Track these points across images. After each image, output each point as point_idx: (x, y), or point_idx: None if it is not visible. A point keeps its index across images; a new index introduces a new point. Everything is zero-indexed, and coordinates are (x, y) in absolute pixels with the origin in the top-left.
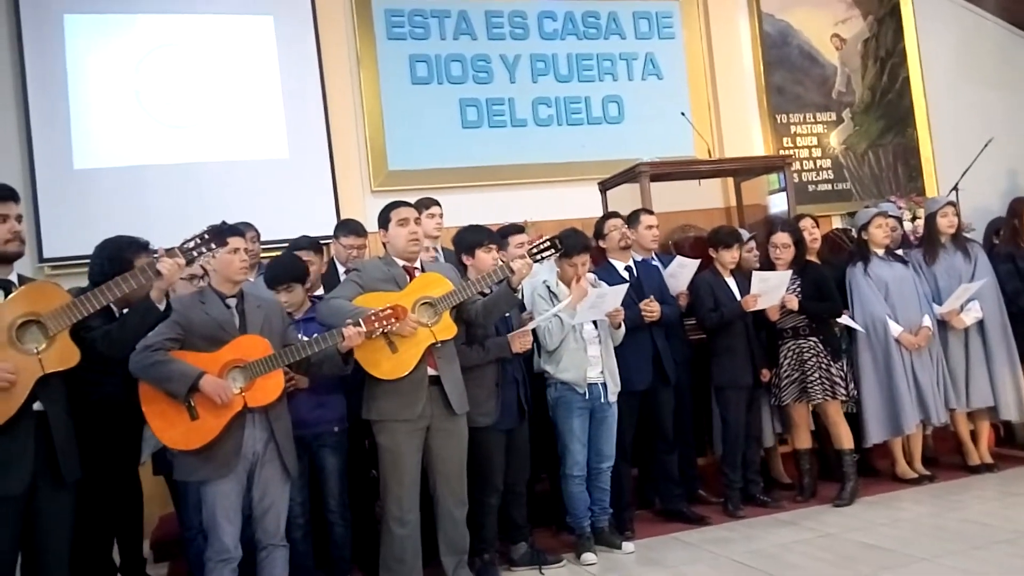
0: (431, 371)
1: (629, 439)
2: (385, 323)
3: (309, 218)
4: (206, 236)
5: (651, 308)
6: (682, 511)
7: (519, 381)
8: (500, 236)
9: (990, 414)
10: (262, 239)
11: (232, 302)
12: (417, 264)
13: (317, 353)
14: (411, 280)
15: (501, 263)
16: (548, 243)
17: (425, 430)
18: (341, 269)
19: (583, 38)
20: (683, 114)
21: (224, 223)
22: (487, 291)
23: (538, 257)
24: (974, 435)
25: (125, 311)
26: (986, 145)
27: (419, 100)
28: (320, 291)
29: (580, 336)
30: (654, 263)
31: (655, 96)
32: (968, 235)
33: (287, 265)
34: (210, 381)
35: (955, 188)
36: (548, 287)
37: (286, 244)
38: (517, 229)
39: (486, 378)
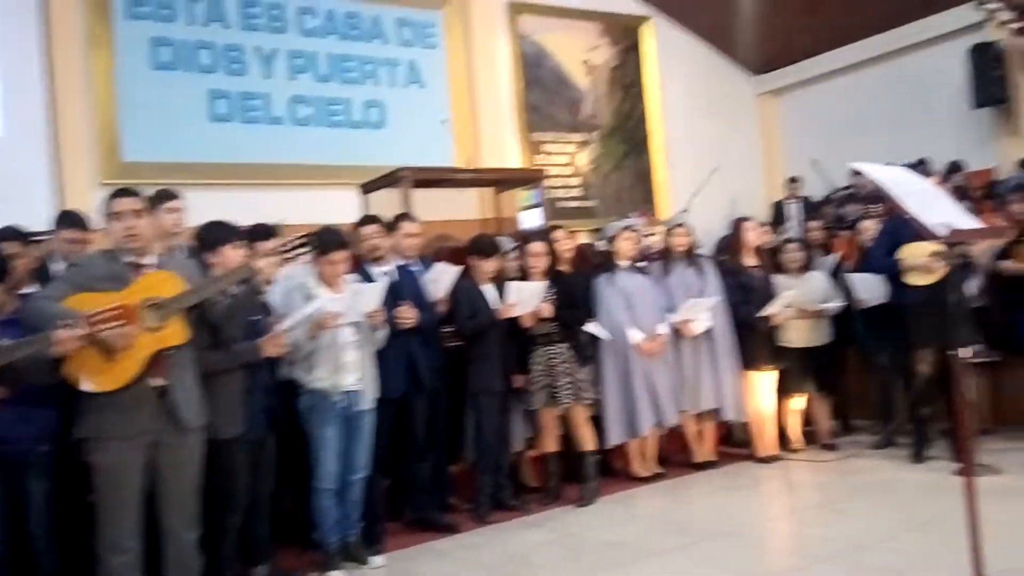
0: (159, 381)
1: (382, 448)
2: (110, 325)
3: (26, 208)
4: None
5: (404, 316)
6: (433, 520)
7: (267, 388)
8: (251, 236)
9: (715, 415)
10: None
11: None
12: (150, 260)
13: (21, 359)
14: (138, 278)
15: (245, 262)
16: (301, 240)
17: (150, 446)
18: (62, 265)
19: (345, 38)
20: (443, 122)
21: None
22: (232, 291)
23: (289, 255)
24: (700, 435)
25: None
26: (712, 173)
27: (161, 87)
28: (33, 288)
29: (335, 341)
30: (413, 268)
31: (417, 103)
32: (700, 251)
33: None
34: None
35: (685, 210)
36: (305, 288)
37: None
38: (269, 230)
39: (232, 385)
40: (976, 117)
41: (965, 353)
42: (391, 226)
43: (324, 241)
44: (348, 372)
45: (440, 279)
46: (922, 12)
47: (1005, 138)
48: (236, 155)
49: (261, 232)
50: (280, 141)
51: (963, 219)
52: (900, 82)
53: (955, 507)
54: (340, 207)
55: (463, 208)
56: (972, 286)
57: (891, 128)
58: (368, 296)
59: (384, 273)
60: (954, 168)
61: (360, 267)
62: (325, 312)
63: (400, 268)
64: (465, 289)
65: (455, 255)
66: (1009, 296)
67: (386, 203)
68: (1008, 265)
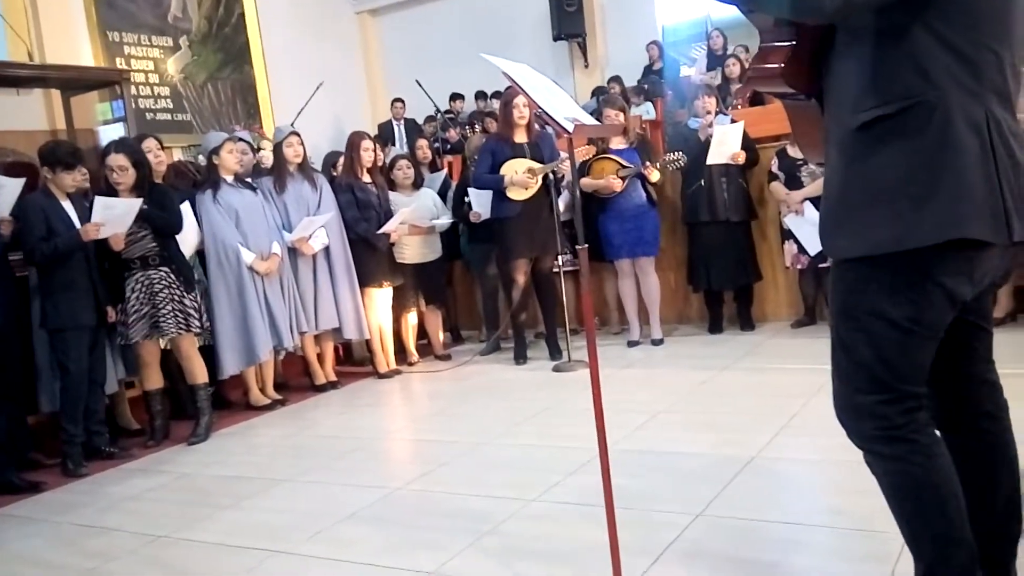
0: None
1: None
2: None
3: None
4: None
5: None
6: (11, 481)
7: None
8: None
9: (334, 335)
10: None
11: None
12: None
13: None
14: None
15: None
16: None
17: None
18: None
19: None
20: None
21: None
22: None
23: None
24: (320, 356)
25: None
26: (317, 89)
27: None
28: None
29: None
30: None
31: None
32: (313, 166)
33: None
34: None
35: (291, 125)
36: None
37: None
38: None
39: None
40: (557, 49)
41: (559, 262)
42: None
43: None
44: None
45: None
46: None
47: (581, 70)
48: None
49: None
50: None
51: (584, 116)
52: (488, 12)
53: (558, 399)
54: None
55: (26, 116)
56: (562, 201)
57: (481, 56)
58: None
59: None
60: None
61: None
62: None
63: None
64: (36, 205)
65: (18, 170)
66: (591, 210)
67: None
68: (587, 181)
